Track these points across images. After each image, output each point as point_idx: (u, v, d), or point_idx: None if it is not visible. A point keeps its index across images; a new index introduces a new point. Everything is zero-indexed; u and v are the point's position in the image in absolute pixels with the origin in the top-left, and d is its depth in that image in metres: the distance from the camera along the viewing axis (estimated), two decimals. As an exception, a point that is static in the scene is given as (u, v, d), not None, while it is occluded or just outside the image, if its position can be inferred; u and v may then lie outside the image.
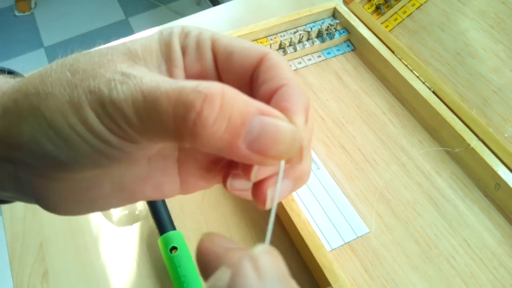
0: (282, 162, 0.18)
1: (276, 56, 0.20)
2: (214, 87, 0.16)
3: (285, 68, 0.20)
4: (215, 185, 0.23)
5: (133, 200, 0.22)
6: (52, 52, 1.89)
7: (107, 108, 0.17)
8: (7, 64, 1.86)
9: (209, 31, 0.21)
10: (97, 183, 0.20)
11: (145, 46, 0.19)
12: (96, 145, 0.17)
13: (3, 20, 2.01)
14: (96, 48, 0.19)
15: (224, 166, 0.22)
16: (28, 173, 0.19)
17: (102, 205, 0.21)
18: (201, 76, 0.21)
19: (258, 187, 0.19)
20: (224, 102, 0.16)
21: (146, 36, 0.20)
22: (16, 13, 2.04)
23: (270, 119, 0.17)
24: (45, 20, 2.02)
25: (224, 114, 0.16)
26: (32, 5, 2.06)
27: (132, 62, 0.18)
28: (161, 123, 0.16)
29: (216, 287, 0.14)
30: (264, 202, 0.19)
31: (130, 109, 0.16)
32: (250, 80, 0.20)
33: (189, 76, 0.21)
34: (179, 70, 0.20)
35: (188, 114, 0.16)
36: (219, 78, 0.21)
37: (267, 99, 0.19)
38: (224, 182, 0.21)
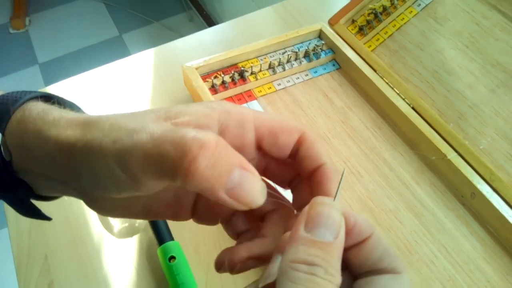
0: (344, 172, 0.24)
1: (311, 135, 0.25)
2: (210, 137, 0.20)
3: (321, 147, 0.25)
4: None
5: (156, 218, 0.28)
6: (47, 69, 1.92)
7: (124, 157, 0.21)
8: (2, 81, 1.88)
9: (250, 112, 0.25)
10: (131, 205, 0.26)
11: (180, 110, 0.23)
12: (120, 185, 0.22)
13: (-2, 38, 2.04)
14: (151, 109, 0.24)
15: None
16: (76, 192, 0.25)
17: (133, 217, 0.27)
18: (240, 149, 0.24)
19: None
20: (216, 152, 0.19)
21: (187, 104, 0.24)
22: (11, 31, 2.06)
23: (247, 174, 0.20)
24: (40, 37, 2.05)
25: (214, 162, 0.19)
26: (27, 22, 2.10)
27: (162, 120, 0.22)
28: (162, 163, 0.20)
29: None
30: None
31: (138, 152, 0.20)
32: (290, 152, 0.25)
33: None
34: None
35: (186, 157, 0.19)
36: (259, 151, 0.25)
37: (309, 173, 0.25)
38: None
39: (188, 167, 0.19)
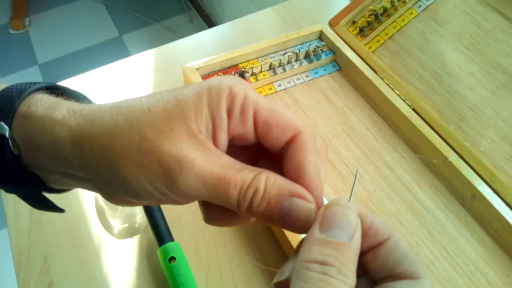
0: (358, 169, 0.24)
1: (306, 138, 0.24)
2: (261, 180, 0.22)
3: (311, 152, 0.24)
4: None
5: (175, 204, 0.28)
6: (47, 70, 1.92)
7: (177, 182, 0.22)
8: (2, 82, 1.89)
9: (253, 97, 0.24)
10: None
11: (197, 110, 0.23)
12: (159, 198, 0.23)
13: (-2, 38, 2.04)
14: (153, 102, 0.23)
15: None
16: (93, 186, 0.25)
17: (150, 204, 0.28)
18: (243, 136, 0.25)
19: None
20: (266, 192, 0.22)
21: (196, 89, 0.24)
22: (11, 31, 2.06)
23: (297, 200, 0.22)
24: (40, 38, 2.05)
25: (264, 199, 0.22)
26: (27, 23, 2.09)
27: (189, 128, 0.23)
28: (227, 201, 0.22)
29: None
30: None
31: (201, 188, 0.22)
32: (282, 146, 0.25)
33: (232, 135, 0.25)
34: (223, 132, 0.24)
35: (244, 202, 0.22)
36: (258, 139, 0.25)
37: (293, 173, 0.24)
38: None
39: (247, 209, 0.22)
